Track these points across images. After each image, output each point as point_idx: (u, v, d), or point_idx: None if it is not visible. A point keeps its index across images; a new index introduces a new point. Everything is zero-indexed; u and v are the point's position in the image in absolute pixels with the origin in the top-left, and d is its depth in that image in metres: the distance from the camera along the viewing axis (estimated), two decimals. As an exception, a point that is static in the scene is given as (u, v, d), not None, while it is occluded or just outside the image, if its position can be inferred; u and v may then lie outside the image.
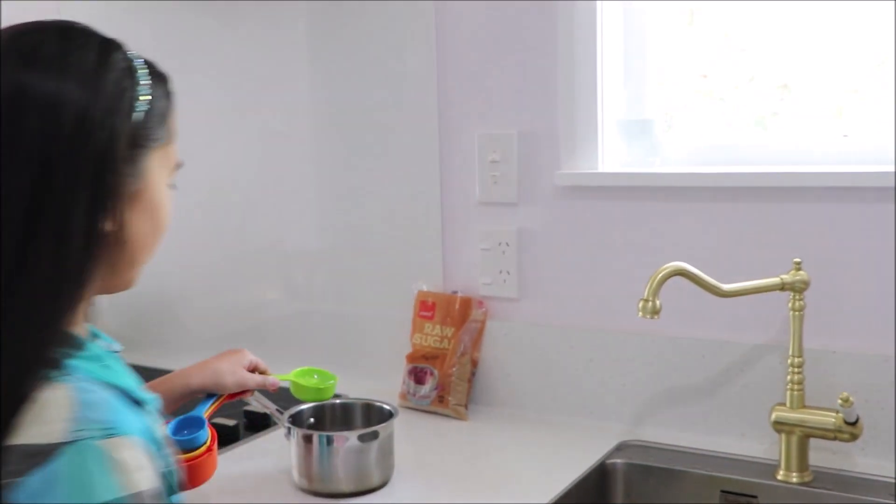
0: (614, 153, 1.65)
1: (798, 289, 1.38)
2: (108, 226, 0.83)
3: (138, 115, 0.85)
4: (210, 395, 1.28)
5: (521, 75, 1.66)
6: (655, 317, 1.27)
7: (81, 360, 0.82)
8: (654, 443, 1.54)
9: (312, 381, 1.39)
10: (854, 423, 1.34)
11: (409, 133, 1.79)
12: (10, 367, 0.76)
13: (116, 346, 0.98)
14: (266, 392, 1.34)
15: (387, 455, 1.40)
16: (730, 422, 1.53)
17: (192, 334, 2.12)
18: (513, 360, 1.71)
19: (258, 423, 1.65)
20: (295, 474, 1.40)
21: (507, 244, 1.71)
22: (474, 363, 1.73)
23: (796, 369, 1.39)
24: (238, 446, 1.57)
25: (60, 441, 0.74)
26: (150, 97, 0.86)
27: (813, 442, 1.39)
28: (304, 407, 1.45)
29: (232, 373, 1.29)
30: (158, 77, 0.91)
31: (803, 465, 1.39)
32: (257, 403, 1.38)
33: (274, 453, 1.51)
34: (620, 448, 1.53)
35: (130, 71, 0.86)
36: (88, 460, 0.74)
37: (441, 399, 1.69)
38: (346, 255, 1.91)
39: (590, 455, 1.49)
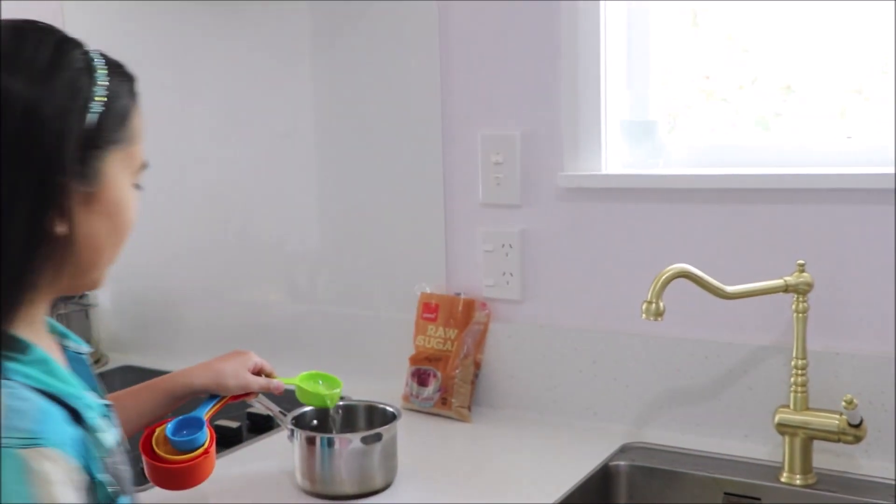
0: (617, 154, 1.65)
1: (802, 290, 1.38)
2: (59, 227, 0.81)
3: (93, 115, 0.83)
4: (212, 396, 1.28)
5: (524, 76, 1.66)
6: (659, 318, 1.27)
7: (22, 364, 0.80)
8: (658, 444, 1.54)
9: (318, 388, 1.39)
10: (858, 426, 1.34)
11: (412, 134, 1.79)
12: None
13: (84, 348, 0.97)
14: (269, 394, 1.34)
15: (390, 457, 1.40)
16: (733, 424, 1.53)
17: (195, 336, 2.12)
18: (516, 361, 1.71)
19: (261, 425, 1.65)
20: (298, 476, 1.40)
21: (511, 246, 1.71)
22: (477, 365, 1.72)
23: (800, 371, 1.38)
24: (241, 448, 1.57)
25: None
26: (106, 97, 0.84)
27: (816, 444, 1.38)
28: (307, 409, 1.44)
29: (235, 375, 1.28)
30: (122, 77, 0.89)
31: (807, 467, 1.39)
32: (260, 405, 1.38)
33: (277, 455, 1.51)
34: (624, 450, 1.53)
35: (88, 70, 0.84)
36: (4, 468, 0.72)
37: (444, 401, 1.69)
38: (349, 257, 1.91)
39: (593, 457, 1.49)
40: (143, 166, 0.92)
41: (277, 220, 2.00)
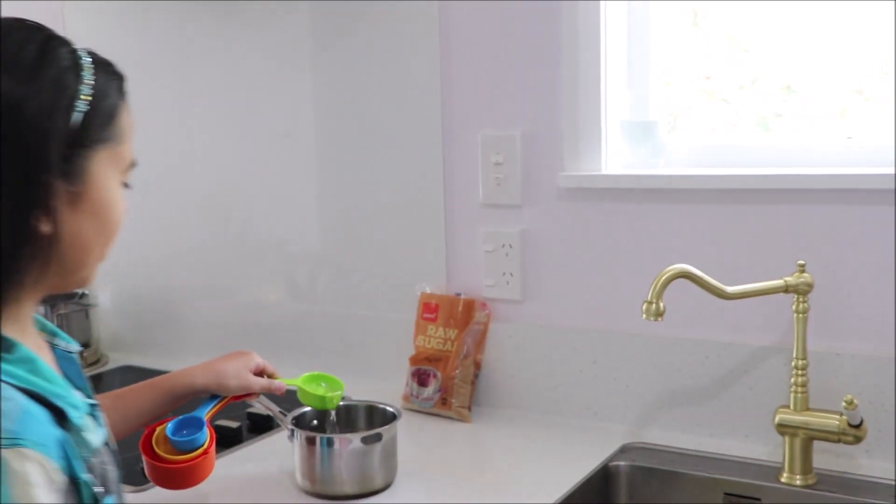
0: (618, 155, 1.65)
1: (802, 291, 1.38)
2: (44, 226, 0.81)
3: (78, 114, 0.82)
4: (213, 397, 1.28)
5: (525, 76, 1.66)
6: (659, 319, 1.27)
7: (7, 362, 0.80)
8: (658, 445, 1.54)
9: (319, 390, 1.39)
10: (858, 426, 1.34)
11: (413, 134, 1.79)
12: None
13: (74, 347, 0.97)
14: (270, 394, 1.34)
15: (390, 457, 1.40)
16: (733, 424, 1.53)
17: (195, 336, 2.12)
18: (516, 361, 1.71)
19: (261, 425, 1.65)
20: (298, 476, 1.40)
21: (511, 246, 1.71)
22: (477, 365, 1.72)
23: (800, 371, 1.38)
24: (241, 448, 1.57)
25: None
26: (92, 96, 0.84)
27: (816, 444, 1.38)
28: (307, 409, 1.44)
29: (236, 375, 1.28)
30: (110, 76, 0.88)
31: (807, 467, 1.39)
32: (260, 405, 1.38)
33: (277, 455, 1.51)
34: (624, 450, 1.53)
35: (75, 68, 0.83)
36: None
37: (444, 401, 1.69)
38: (349, 257, 1.91)
39: (593, 457, 1.49)
40: (132, 165, 0.91)
41: (277, 220, 2.00)
